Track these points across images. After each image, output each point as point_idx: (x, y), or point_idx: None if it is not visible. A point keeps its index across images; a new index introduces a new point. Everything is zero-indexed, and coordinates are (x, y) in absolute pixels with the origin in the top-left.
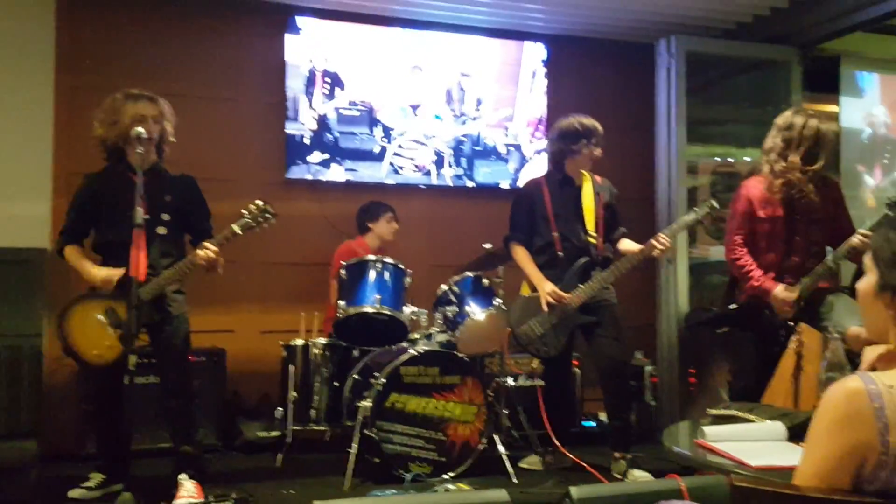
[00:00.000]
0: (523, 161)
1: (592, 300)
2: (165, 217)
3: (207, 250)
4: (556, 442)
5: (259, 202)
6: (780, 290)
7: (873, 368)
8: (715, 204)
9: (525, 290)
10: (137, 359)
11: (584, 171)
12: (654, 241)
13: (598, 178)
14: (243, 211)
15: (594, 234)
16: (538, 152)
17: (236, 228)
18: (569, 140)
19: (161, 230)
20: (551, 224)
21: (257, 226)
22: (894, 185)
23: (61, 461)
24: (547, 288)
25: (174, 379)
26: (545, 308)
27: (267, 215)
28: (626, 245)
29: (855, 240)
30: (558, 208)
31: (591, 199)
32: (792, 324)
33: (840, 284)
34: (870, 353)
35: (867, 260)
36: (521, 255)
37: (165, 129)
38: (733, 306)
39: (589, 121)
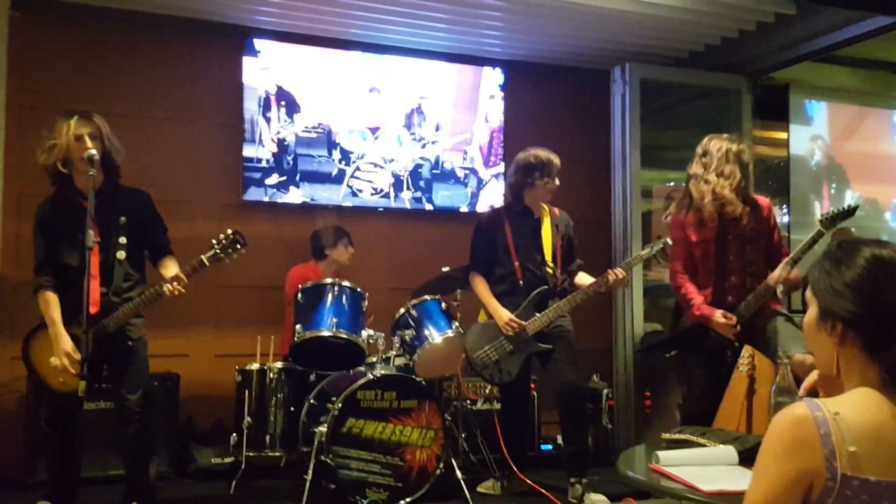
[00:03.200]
0: (480, 184)
1: (548, 328)
2: (123, 241)
3: (177, 284)
4: (514, 466)
5: (230, 232)
6: (718, 316)
7: (816, 393)
8: (668, 241)
9: (482, 318)
10: (95, 385)
11: (542, 204)
12: (608, 275)
13: (556, 210)
14: (213, 241)
15: (552, 265)
16: (496, 176)
17: (205, 260)
18: (525, 173)
19: (121, 255)
20: (512, 254)
21: (227, 257)
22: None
23: (8, 489)
24: (504, 316)
25: (133, 404)
26: (502, 334)
27: (237, 245)
28: (582, 278)
29: (793, 274)
30: (518, 239)
31: (550, 230)
32: (738, 346)
33: (783, 308)
34: (811, 378)
35: (807, 293)
36: (478, 284)
37: (109, 146)
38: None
39: (545, 154)
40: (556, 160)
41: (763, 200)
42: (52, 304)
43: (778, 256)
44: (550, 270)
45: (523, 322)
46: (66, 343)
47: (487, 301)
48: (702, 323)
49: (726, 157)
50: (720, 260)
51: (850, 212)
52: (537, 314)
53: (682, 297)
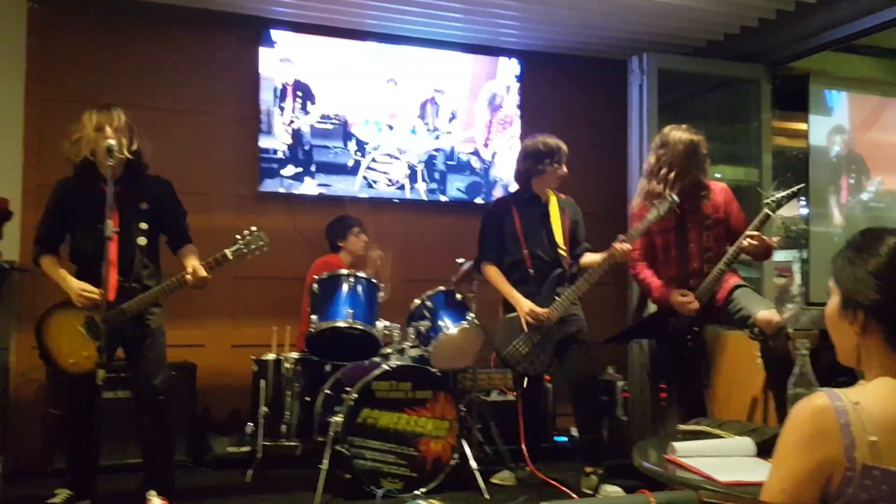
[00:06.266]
0: (486, 167)
1: (565, 314)
2: (144, 226)
3: (198, 273)
4: (528, 460)
5: (254, 229)
6: (676, 295)
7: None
8: (675, 197)
9: (501, 314)
10: (112, 373)
11: (548, 190)
12: (615, 244)
13: (561, 195)
14: (237, 236)
15: (563, 248)
16: (494, 155)
17: (229, 254)
18: (534, 160)
19: (141, 241)
20: (521, 242)
21: (249, 253)
22: (862, 202)
23: (27, 477)
24: (525, 307)
25: (151, 394)
26: (525, 328)
27: (261, 243)
28: (590, 257)
29: (745, 242)
30: (527, 226)
31: (558, 214)
32: (697, 329)
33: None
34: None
35: (830, 283)
36: (494, 274)
37: (129, 138)
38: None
39: (553, 140)
40: (565, 147)
41: (717, 186)
42: (57, 264)
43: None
44: (563, 252)
45: (545, 310)
46: (79, 283)
47: (507, 292)
48: (662, 309)
49: (685, 151)
50: (681, 248)
51: (795, 194)
52: (557, 298)
53: (640, 283)
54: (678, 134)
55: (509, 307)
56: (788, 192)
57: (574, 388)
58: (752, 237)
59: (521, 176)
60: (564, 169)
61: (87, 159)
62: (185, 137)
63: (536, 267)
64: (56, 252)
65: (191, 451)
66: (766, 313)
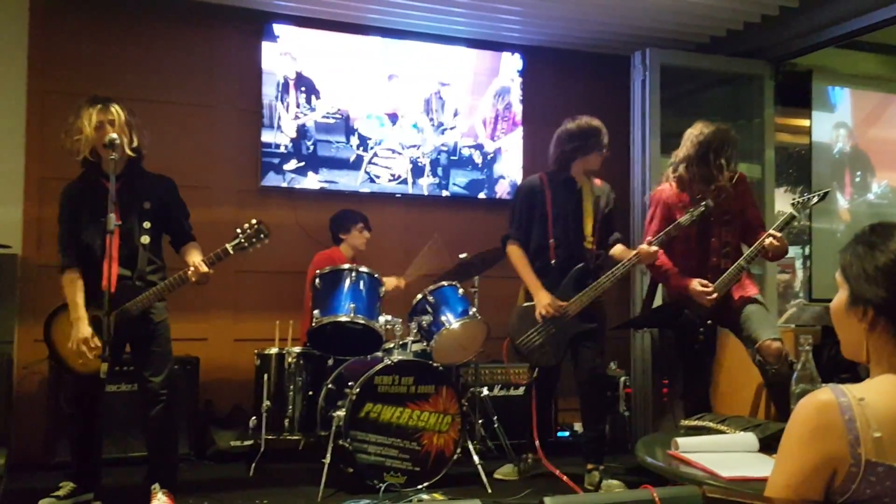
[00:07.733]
0: (486, 159)
1: (590, 306)
2: (147, 225)
3: (200, 269)
4: (541, 452)
5: (254, 221)
6: (695, 284)
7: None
8: (710, 202)
9: (521, 299)
10: (115, 367)
11: (583, 178)
12: (642, 246)
13: (597, 181)
14: (238, 230)
15: (591, 238)
16: (498, 150)
17: (230, 248)
18: (581, 139)
19: (145, 239)
20: (549, 228)
21: (250, 246)
22: (867, 200)
23: (30, 470)
24: (544, 300)
25: (157, 387)
26: (539, 319)
27: (261, 235)
28: (619, 250)
29: (767, 241)
30: (558, 209)
31: (591, 202)
32: (710, 322)
33: (756, 291)
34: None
35: (838, 276)
36: (518, 258)
37: (128, 133)
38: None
39: (597, 122)
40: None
41: (741, 175)
42: (76, 285)
43: (755, 232)
44: (589, 244)
45: (562, 303)
46: (85, 329)
47: (528, 279)
48: (676, 300)
49: (732, 139)
50: (703, 241)
51: (822, 197)
52: (576, 293)
53: (656, 269)
54: (715, 125)
55: (530, 295)
56: (815, 195)
57: (583, 385)
58: (775, 237)
59: (563, 156)
60: (606, 151)
61: (88, 159)
62: (187, 131)
63: (559, 258)
64: (79, 264)
65: (194, 445)
66: (770, 342)
